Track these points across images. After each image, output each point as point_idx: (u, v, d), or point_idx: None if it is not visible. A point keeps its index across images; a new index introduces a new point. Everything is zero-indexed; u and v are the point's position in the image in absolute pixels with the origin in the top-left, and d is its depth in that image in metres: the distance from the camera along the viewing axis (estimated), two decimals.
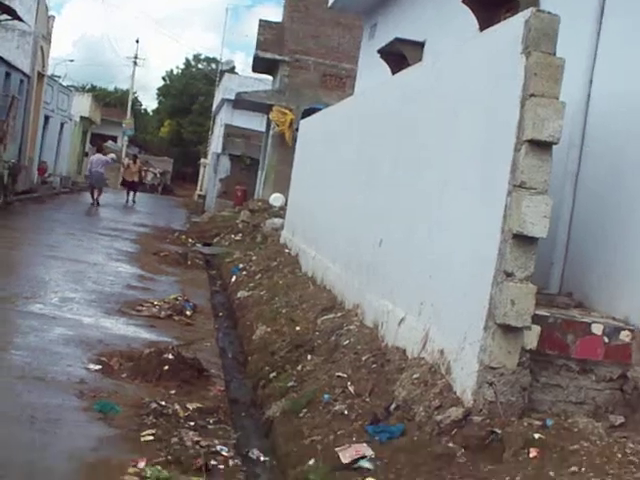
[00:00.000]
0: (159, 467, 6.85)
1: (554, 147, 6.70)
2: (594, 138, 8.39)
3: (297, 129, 24.33)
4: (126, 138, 70.31)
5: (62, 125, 47.77)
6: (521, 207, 6.61)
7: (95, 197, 36.90)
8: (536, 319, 6.78)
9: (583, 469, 5.78)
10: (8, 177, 28.47)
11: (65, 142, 49.33)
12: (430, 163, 9.10)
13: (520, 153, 6.70)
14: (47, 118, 42.03)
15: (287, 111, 30.31)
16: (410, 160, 9.89)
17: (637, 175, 7.54)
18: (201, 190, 54.79)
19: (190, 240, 26.78)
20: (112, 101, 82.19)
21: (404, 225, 9.69)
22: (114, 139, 69.09)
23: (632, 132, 7.75)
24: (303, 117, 23.31)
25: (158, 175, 67.22)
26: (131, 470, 6.76)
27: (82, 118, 56.51)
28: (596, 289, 7.90)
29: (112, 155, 44.68)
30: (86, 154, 59.62)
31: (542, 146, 6.67)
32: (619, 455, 6.06)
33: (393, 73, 15.51)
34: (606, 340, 6.99)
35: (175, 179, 75.14)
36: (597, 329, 7.02)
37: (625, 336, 7.04)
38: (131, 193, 41.89)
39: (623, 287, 7.52)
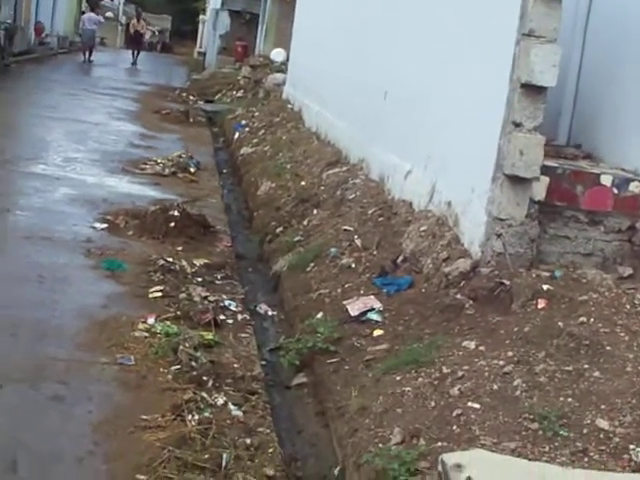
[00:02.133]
0: (168, 322, 6.91)
1: None
2: None
3: None
4: None
5: None
6: (530, 56, 6.46)
7: (87, 55, 37.29)
8: (544, 170, 6.69)
9: (592, 320, 5.79)
10: (4, 38, 27.97)
11: (61, 1, 48.37)
12: (436, 12, 8.89)
13: (529, 0, 6.52)
14: None
15: None
16: (415, 8, 9.66)
17: None
18: (201, 47, 53.87)
19: (191, 97, 26.51)
20: None
21: (410, 77, 9.52)
22: None
23: None
24: None
25: (157, 33, 66.29)
26: (141, 326, 6.83)
27: None
28: (605, 140, 7.78)
29: (109, 14, 44.10)
30: (83, 13, 58.54)
31: None
32: (627, 306, 6.07)
33: None
34: (615, 191, 6.91)
35: (174, 37, 73.98)
36: (606, 180, 6.93)
37: (635, 187, 6.95)
38: (135, 53, 40.71)
39: (633, 138, 7.40)
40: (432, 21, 8.97)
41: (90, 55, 37.37)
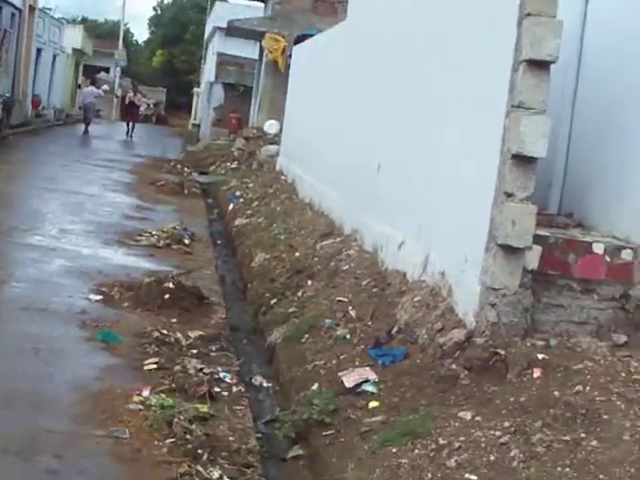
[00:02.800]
0: (163, 395, 6.87)
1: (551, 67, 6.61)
2: (591, 57, 8.27)
3: (290, 56, 24.08)
4: (119, 69, 69.56)
5: (54, 57, 47.27)
6: (520, 127, 6.53)
7: (86, 127, 38.56)
8: (537, 239, 6.72)
9: (588, 388, 5.79)
10: (2, 111, 28.22)
11: (58, 75, 48.83)
12: (427, 86, 9.01)
13: (518, 73, 6.61)
14: (39, 51, 41.56)
15: (280, 38, 29.93)
16: (406, 83, 9.80)
17: (637, 92, 7.44)
18: (195, 119, 54.30)
19: (186, 169, 26.67)
20: (103, 32, 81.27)
21: (402, 149, 9.63)
22: (106, 70, 68.30)
23: (630, 53, 7.63)
24: (296, 44, 23.06)
25: (152, 105, 66.70)
26: (135, 398, 6.78)
27: (74, 50, 55.85)
28: (596, 209, 7.84)
29: (105, 87, 44.66)
30: (79, 86, 59.11)
31: (540, 65, 6.57)
32: (623, 374, 6.07)
33: None
34: (608, 259, 6.94)
35: (169, 109, 74.44)
36: (598, 248, 6.96)
37: (627, 255, 6.99)
38: (130, 126, 40.95)
39: (623, 206, 7.45)
40: (424, 95, 9.08)
41: (88, 125, 38.70)
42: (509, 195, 6.60)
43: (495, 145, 6.77)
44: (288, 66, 24.05)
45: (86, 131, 38.40)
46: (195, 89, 61.35)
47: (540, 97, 6.56)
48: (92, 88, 41.91)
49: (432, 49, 9.02)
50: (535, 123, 6.52)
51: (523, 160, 6.56)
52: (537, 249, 6.74)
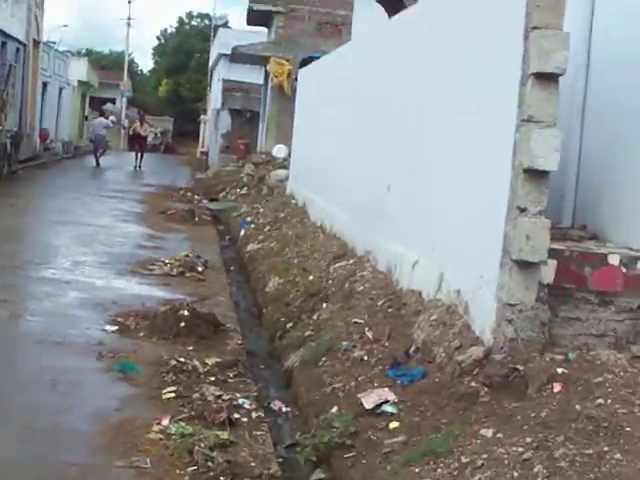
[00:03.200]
0: (183, 423, 6.86)
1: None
2: (599, 67, 8.27)
3: (296, 79, 24.14)
4: (125, 100, 70.05)
5: (60, 90, 47.54)
6: (530, 141, 6.52)
7: (97, 158, 38.80)
8: (552, 253, 6.71)
9: (609, 401, 5.75)
10: (11, 146, 28.34)
11: (65, 107, 49.12)
12: (435, 103, 9.02)
13: (526, 87, 6.61)
14: (45, 84, 41.78)
15: (284, 62, 30.08)
16: (414, 101, 9.80)
17: None
18: (203, 147, 54.49)
19: (196, 197, 26.75)
20: (108, 64, 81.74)
21: (412, 169, 9.62)
22: (112, 101, 68.66)
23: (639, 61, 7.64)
24: (301, 67, 23.13)
25: (159, 135, 66.96)
26: (155, 428, 6.77)
27: (80, 82, 56.14)
28: (609, 220, 7.83)
29: (112, 118, 44.92)
30: (86, 118, 59.42)
31: (548, 78, 6.57)
32: None
33: (390, 17, 15.33)
34: (624, 270, 6.91)
35: (176, 137, 74.70)
36: (614, 260, 6.94)
37: None
38: (138, 156, 40.76)
39: (637, 216, 7.45)
40: (432, 112, 9.09)
41: (100, 156, 39.19)
42: (522, 210, 6.58)
43: (506, 160, 6.75)
44: (294, 89, 24.11)
45: (97, 164, 38.61)
46: (202, 116, 61.56)
47: (550, 110, 6.56)
48: (101, 119, 42.28)
49: (439, 65, 9.03)
50: (546, 136, 6.51)
51: (535, 174, 6.55)
52: (552, 263, 6.73)
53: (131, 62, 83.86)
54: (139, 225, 19.33)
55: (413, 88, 9.94)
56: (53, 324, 9.70)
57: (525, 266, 6.62)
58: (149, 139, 43.02)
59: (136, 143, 42.06)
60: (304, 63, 23.39)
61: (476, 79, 7.88)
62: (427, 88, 9.36)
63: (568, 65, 6.58)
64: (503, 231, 6.76)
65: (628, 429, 5.42)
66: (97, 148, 39.87)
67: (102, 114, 45.38)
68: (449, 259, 8.07)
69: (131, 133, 42.64)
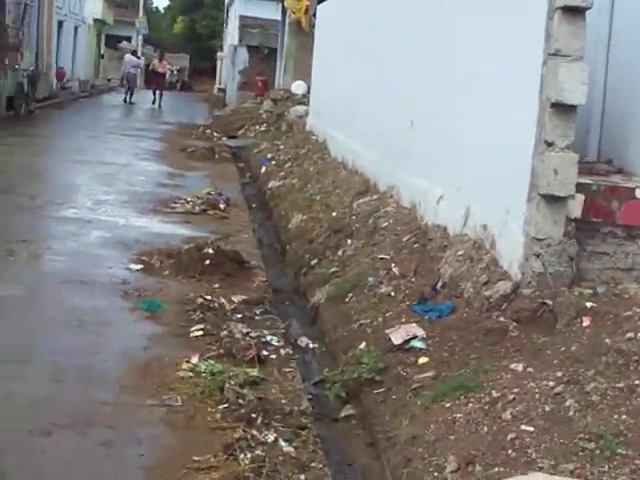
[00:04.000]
0: (212, 361, 6.89)
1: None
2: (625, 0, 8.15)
3: (314, 14, 23.89)
4: (140, 37, 69.52)
5: (76, 29, 47.17)
6: (558, 75, 6.46)
7: (129, 97, 39.76)
8: (579, 187, 6.67)
9: (639, 334, 5.73)
10: (28, 85, 28.27)
11: (80, 46, 48.77)
12: (461, 37, 8.91)
13: (554, 20, 6.53)
14: (61, 23, 41.44)
15: None
16: (440, 35, 9.68)
17: None
18: (220, 84, 54.17)
19: (215, 134, 26.66)
20: (123, 1, 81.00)
21: (436, 104, 9.53)
22: (128, 40, 68.23)
23: None
24: (319, 2, 22.84)
25: (176, 72, 66.60)
26: (185, 366, 6.81)
27: (95, 20, 55.68)
28: (635, 154, 7.75)
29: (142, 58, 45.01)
30: (102, 56, 59.24)
31: (575, 12, 6.48)
32: None
33: None
34: None
35: (193, 75, 74.30)
36: None
37: None
38: (157, 93, 40.38)
39: None
40: (457, 46, 8.98)
41: (132, 96, 39.76)
42: (550, 144, 6.53)
43: (533, 94, 6.69)
44: (312, 25, 23.88)
45: (130, 101, 39.32)
46: (219, 53, 61.17)
47: (577, 44, 6.48)
48: (132, 58, 42.61)
49: (467, 3, 8.92)
50: (573, 70, 6.45)
51: (562, 108, 6.50)
52: (580, 197, 6.68)
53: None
54: (159, 163, 19.29)
55: (439, 21, 9.81)
56: (77, 264, 9.72)
57: (553, 200, 6.59)
58: (167, 76, 42.58)
59: (154, 81, 41.93)
60: None
61: (504, 13, 7.79)
62: (454, 22, 9.23)
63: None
64: (531, 165, 6.72)
65: None
66: (129, 86, 40.41)
67: (134, 52, 46.18)
68: (475, 194, 8.03)
69: (152, 70, 42.34)
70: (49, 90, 35.30)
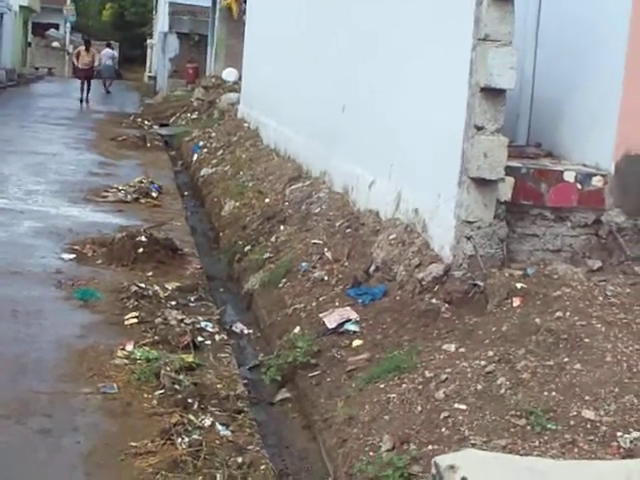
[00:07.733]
0: (147, 348, 6.92)
1: None
2: None
3: (244, 1, 23.81)
4: (69, 25, 68.66)
5: (1, 16, 46.47)
6: (487, 60, 6.55)
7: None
8: (509, 171, 6.78)
9: (567, 314, 5.86)
10: None
11: (7, 34, 48.00)
12: (391, 22, 8.97)
13: (482, 5, 6.61)
14: None
15: None
16: (370, 20, 9.74)
17: (601, 19, 7.45)
18: (151, 72, 53.78)
19: (146, 122, 26.47)
20: None
21: (367, 89, 9.60)
22: (56, 27, 67.35)
23: None
24: None
25: (116, 56, 65.88)
26: (120, 353, 6.83)
27: (21, 8, 54.78)
28: (564, 138, 7.88)
29: (55, 43, 44.35)
30: (29, 44, 58.39)
31: None
32: (600, 298, 6.15)
33: None
34: (579, 186, 7.01)
35: (123, 63, 73.66)
36: (569, 176, 7.03)
37: (597, 181, 7.06)
38: (85, 87, 35.20)
39: (590, 134, 7.50)
40: (388, 31, 9.05)
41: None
42: (479, 128, 6.63)
43: (463, 79, 6.79)
44: (243, 11, 23.82)
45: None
46: (149, 41, 60.65)
47: (505, 29, 6.59)
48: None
49: None
50: (502, 55, 6.55)
51: (492, 93, 6.60)
52: (510, 180, 6.80)
53: None
54: (90, 152, 19.13)
55: (369, 6, 9.87)
56: (9, 254, 9.64)
57: (483, 184, 6.69)
58: (95, 65, 41.73)
59: (81, 71, 36.81)
60: None
61: None
62: (384, 7, 9.30)
63: None
64: (461, 149, 6.82)
65: (587, 340, 5.55)
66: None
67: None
68: (406, 179, 8.12)
69: (75, 60, 40.11)
70: None
